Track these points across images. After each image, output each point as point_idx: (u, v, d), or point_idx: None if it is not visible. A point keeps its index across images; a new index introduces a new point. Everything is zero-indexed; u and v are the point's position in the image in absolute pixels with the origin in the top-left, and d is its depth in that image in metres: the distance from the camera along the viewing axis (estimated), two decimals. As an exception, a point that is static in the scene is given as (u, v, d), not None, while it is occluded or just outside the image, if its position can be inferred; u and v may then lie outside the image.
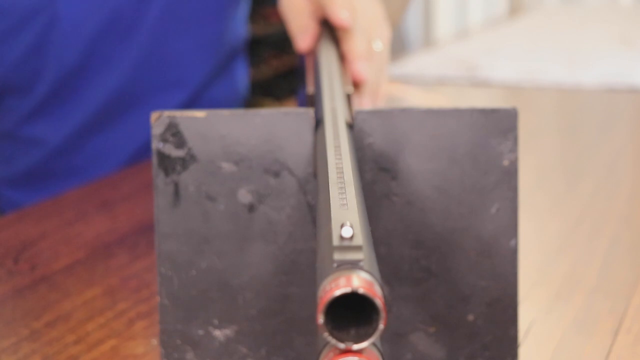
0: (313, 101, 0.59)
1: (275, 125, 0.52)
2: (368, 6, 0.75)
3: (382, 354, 0.36)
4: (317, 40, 0.75)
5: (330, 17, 0.72)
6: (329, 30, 0.74)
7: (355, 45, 0.71)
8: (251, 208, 0.52)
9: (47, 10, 0.94)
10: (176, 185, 0.52)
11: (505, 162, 0.52)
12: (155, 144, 0.52)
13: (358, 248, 0.36)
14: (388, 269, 0.52)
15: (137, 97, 0.99)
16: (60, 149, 1.00)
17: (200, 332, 0.52)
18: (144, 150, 1.01)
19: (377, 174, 0.52)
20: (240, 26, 1.09)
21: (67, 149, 1.00)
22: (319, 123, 0.52)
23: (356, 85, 0.71)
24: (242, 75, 1.13)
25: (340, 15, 0.71)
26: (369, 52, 0.72)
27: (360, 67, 0.70)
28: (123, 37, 0.97)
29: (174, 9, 0.99)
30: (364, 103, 0.72)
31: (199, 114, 0.52)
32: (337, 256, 0.35)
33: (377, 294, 0.34)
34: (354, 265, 0.35)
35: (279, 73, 3.05)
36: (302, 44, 0.75)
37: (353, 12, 0.72)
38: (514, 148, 0.52)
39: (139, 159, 1.01)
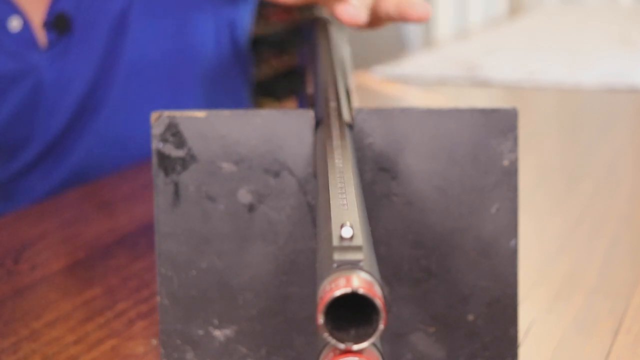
0: (313, 101, 0.59)
1: (275, 125, 0.52)
2: None
3: (382, 354, 0.36)
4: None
5: None
6: (324, 24, 0.74)
7: None
8: (251, 208, 0.52)
9: (31, 76, 0.93)
10: (176, 185, 0.52)
11: (505, 162, 0.52)
12: (155, 144, 0.52)
13: (358, 248, 0.36)
14: (388, 269, 0.52)
15: (124, 143, 0.99)
16: (46, 199, 0.99)
17: (200, 332, 0.52)
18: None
19: (377, 174, 0.52)
20: (230, 59, 1.08)
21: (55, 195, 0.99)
22: (319, 123, 0.52)
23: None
24: (248, 78, 1.12)
25: None
26: None
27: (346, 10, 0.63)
28: (107, 89, 0.96)
29: (152, 45, 0.98)
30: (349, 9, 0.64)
31: (199, 114, 0.52)
32: (337, 256, 0.35)
33: (377, 294, 0.34)
34: (353, 265, 0.35)
35: (279, 73, 3.05)
36: None
37: None
38: (514, 148, 0.52)
39: None
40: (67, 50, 0.94)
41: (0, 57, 0.93)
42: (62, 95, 0.95)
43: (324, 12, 0.77)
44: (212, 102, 1.04)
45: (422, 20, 0.66)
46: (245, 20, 1.08)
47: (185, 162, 0.52)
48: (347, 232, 0.36)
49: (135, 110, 0.98)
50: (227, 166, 0.52)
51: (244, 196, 0.52)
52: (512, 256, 0.52)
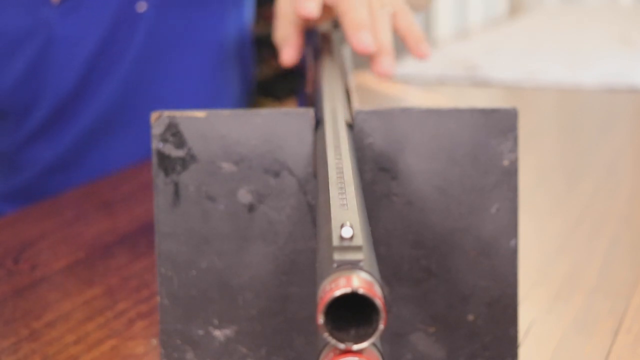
0: (313, 101, 0.59)
1: (275, 125, 0.52)
2: None
3: (382, 354, 0.36)
4: (300, 51, 0.73)
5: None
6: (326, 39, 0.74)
7: (350, 17, 0.67)
8: (251, 208, 0.52)
9: (42, 31, 0.94)
10: (176, 185, 0.52)
11: (505, 162, 0.52)
12: (155, 144, 0.52)
13: (358, 248, 0.36)
14: (388, 269, 0.52)
15: (131, 113, 0.99)
16: (54, 167, 0.99)
17: (200, 332, 0.52)
18: (139, 163, 1.01)
19: (377, 174, 0.52)
20: (241, 33, 1.08)
21: (62, 166, 0.99)
22: (319, 123, 0.52)
23: (366, 55, 0.67)
24: (251, 69, 1.12)
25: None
26: (372, 19, 0.68)
27: (359, 37, 0.66)
28: (117, 54, 0.96)
29: (163, 25, 0.98)
30: (382, 62, 0.67)
31: (199, 114, 0.52)
32: (337, 256, 0.35)
33: (377, 294, 0.34)
34: (354, 265, 0.35)
35: (279, 73, 3.05)
36: (286, 57, 0.73)
37: None
38: (514, 148, 0.52)
39: None
40: (79, 5, 0.94)
41: (12, 11, 0.93)
42: (73, 53, 0.95)
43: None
44: (221, 71, 1.03)
45: (419, 58, 0.70)
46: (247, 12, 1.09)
47: (185, 162, 0.52)
48: (347, 232, 0.36)
49: (149, 73, 0.98)
50: (227, 166, 0.52)
51: (244, 196, 0.52)
52: (512, 256, 0.52)
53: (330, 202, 0.40)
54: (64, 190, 0.97)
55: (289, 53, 0.73)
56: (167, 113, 0.52)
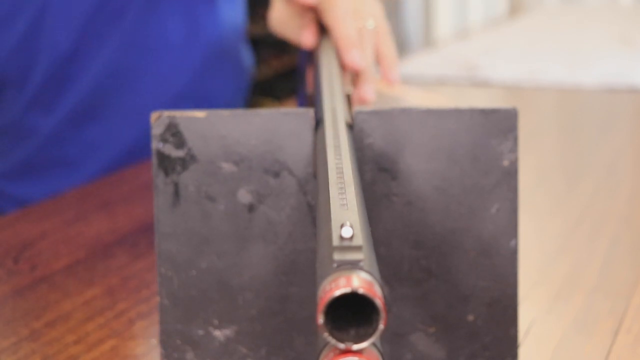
0: (313, 101, 0.59)
1: (275, 125, 0.52)
2: None
3: (382, 354, 0.36)
4: (319, 34, 0.75)
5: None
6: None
7: (342, 33, 0.69)
8: (251, 208, 0.52)
9: None
10: (176, 186, 0.52)
11: (505, 163, 0.52)
12: (155, 144, 0.52)
13: (358, 248, 0.36)
14: (388, 269, 0.52)
15: (128, 82, 0.99)
16: (54, 138, 0.99)
17: (200, 332, 0.52)
18: (141, 141, 1.00)
19: (377, 174, 0.52)
20: (236, 12, 1.08)
21: (61, 137, 0.99)
22: (319, 123, 0.52)
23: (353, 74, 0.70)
24: (246, 62, 1.12)
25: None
26: (360, 36, 0.71)
27: (352, 56, 0.68)
28: (112, 19, 0.96)
29: None
30: (366, 90, 0.71)
31: (199, 114, 0.52)
32: (337, 256, 0.35)
33: (377, 294, 0.34)
34: (353, 265, 0.35)
35: (279, 73, 3.05)
36: (306, 40, 0.75)
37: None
38: (514, 148, 0.52)
39: (136, 151, 1.00)
40: None
41: None
42: (68, 17, 0.95)
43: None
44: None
45: (387, 83, 0.74)
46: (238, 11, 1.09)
47: (185, 162, 0.52)
48: (347, 232, 0.36)
49: (143, 43, 0.98)
50: (227, 166, 0.52)
51: (244, 196, 0.52)
52: (512, 256, 0.52)
53: (330, 202, 0.40)
54: (63, 166, 0.97)
55: (309, 36, 0.74)
56: (167, 113, 0.52)
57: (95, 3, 0.95)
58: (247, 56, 1.13)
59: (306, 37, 0.75)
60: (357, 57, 0.68)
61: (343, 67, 0.68)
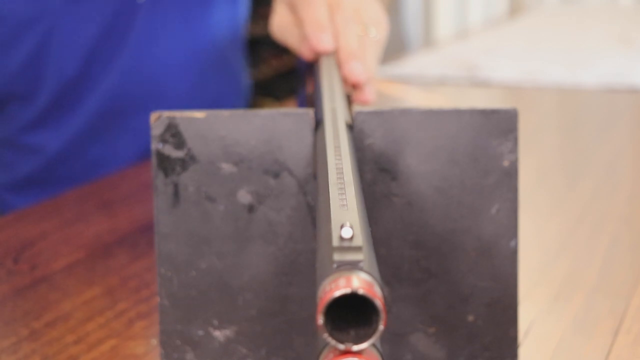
0: (313, 101, 0.59)
1: (275, 125, 0.52)
2: None
3: (382, 355, 0.36)
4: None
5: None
6: None
7: (344, 44, 0.67)
8: (251, 209, 0.52)
9: (45, 18, 0.95)
10: (176, 186, 0.52)
11: (506, 163, 0.52)
12: (155, 145, 0.52)
13: (358, 249, 0.36)
14: (388, 269, 0.52)
15: (132, 103, 1.00)
16: (59, 156, 1.00)
17: (200, 332, 0.52)
18: (144, 156, 1.01)
19: (377, 174, 0.52)
20: (234, 26, 1.09)
21: (67, 156, 1.00)
22: (319, 123, 0.52)
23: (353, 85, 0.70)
24: (242, 74, 1.13)
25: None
26: (361, 47, 0.69)
27: (353, 68, 0.66)
28: (117, 43, 0.98)
29: (158, 12, 0.99)
30: (367, 96, 0.68)
31: (199, 114, 0.52)
32: (337, 257, 0.35)
33: (377, 294, 0.34)
34: (353, 266, 0.35)
35: (279, 73, 3.05)
36: (307, 54, 0.71)
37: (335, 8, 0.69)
38: (514, 149, 0.51)
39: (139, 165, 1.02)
40: None
41: None
42: (75, 41, 0.96)
43: None
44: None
45: (362, 100, 0.69)
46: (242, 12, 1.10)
47: (185, 163, 0.52)
48: (347, 233, 0.36)
49: (147, 63, 0.99)
50: (226, 167, 0.52)
51: (244, 197, 0.52)
52: (512, 257, 0.52)
53: (330, 202, 0.40)
54: (67, 182, 0.98)
55: (328, 40, 0.71)
56: (166, 114, 0.52)
57: (101, 27, 0.97)
58: (243, 64, 1.14)
59: (307, 51, 0.74)
60: (357, 70, 0.66)
61: (344, 80, 0.66)
